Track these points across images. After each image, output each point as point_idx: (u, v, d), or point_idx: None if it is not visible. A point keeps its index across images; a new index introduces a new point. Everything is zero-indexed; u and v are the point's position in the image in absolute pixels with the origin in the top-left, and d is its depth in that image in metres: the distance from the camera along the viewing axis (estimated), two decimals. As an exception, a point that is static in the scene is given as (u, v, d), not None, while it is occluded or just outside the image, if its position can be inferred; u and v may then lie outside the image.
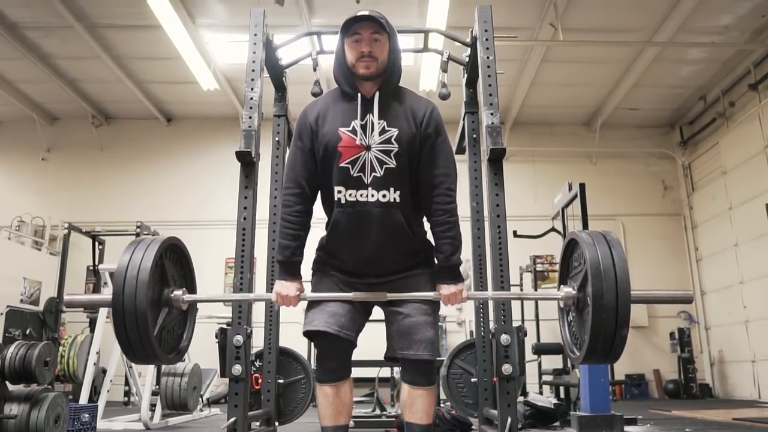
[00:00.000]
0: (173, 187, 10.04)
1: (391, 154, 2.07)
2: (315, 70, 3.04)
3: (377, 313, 2.29)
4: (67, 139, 10.40)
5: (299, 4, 7.03)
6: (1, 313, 7.42)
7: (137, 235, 6.83)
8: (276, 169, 3.27)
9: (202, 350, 4.73)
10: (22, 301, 7.99)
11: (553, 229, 6.51)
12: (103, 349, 4.87)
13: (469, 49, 3.03)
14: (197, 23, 7.57)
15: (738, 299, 8.74)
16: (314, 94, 2.87)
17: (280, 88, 3.33)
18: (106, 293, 4.86)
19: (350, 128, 2.08)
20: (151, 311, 1.93)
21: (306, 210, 2.15)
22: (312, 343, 2.33)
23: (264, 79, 2.74)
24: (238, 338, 2.36)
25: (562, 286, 2.11)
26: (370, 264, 2.15)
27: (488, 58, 2.66)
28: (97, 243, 7.28)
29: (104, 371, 5.63)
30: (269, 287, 3.09)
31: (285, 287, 2.11)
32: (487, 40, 2.69)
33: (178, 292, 2.08)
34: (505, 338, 2.35)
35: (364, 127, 2.08)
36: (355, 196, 2.08)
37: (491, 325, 2.56)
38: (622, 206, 10.06)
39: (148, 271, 1.89)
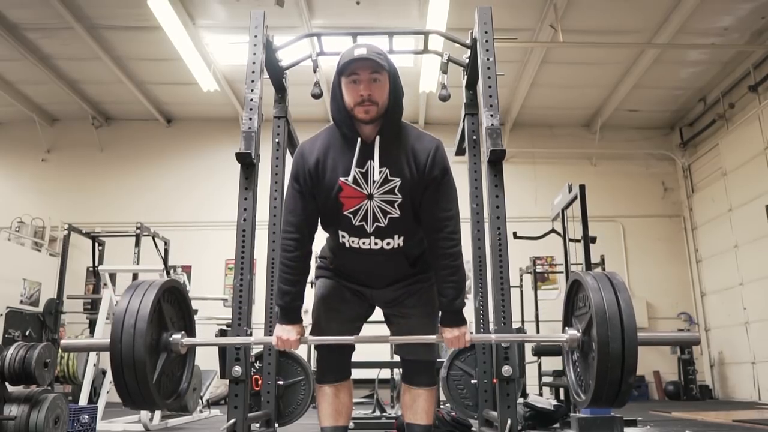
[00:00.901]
0: (173, 188, 10.04)
1: (395, 204, 2.01)
2: (315, 71, 3.03)
3: (378, 314, 2.29)
4: (67, 140, 10.40)
5: (299, 6, 7.04)
6: (1, 314, 7.42)
7: (137, 236, 6.84)
8: (276, 171, 3.26)
9: (202, 351, 4.71)
10: (21, 302, 7.99)
11: (553, 231, 6.50)
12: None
13: (469, 51, 3.03)
14: (197, 24, 7.58)
15: (738, 301, 8.74)
16: (314, 96, 2.87)
17: (281, 90, 3.32)
18: (105, 295, 4.88)
19: (351, 177, 2.00)
20: (150, 358, 1.89)
21: (305, 254, 2.10)
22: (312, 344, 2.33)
23: (264, 81, 2.74)
24: (238, 340, 2.36)
25: (566, 327, 2.06)
26: (371, 283, 2.18)
27: (488, 59, 2.66)
28: (97, 244, 7.28)
29: (104, 372, 5.63)
30: (269, 291, 3.10)
31: (285, 331, 2.07)
32: (487, 41, 2.69)
33: (176, 336, 2.03)
34: (505, 340, 2.35)
35: (365, 175, 2.00)
36: (358, 243, 2.06)
37: (491, 326, 2.56)
38: (622, 208, 10.06)
39: (146, 320, 1.86)
